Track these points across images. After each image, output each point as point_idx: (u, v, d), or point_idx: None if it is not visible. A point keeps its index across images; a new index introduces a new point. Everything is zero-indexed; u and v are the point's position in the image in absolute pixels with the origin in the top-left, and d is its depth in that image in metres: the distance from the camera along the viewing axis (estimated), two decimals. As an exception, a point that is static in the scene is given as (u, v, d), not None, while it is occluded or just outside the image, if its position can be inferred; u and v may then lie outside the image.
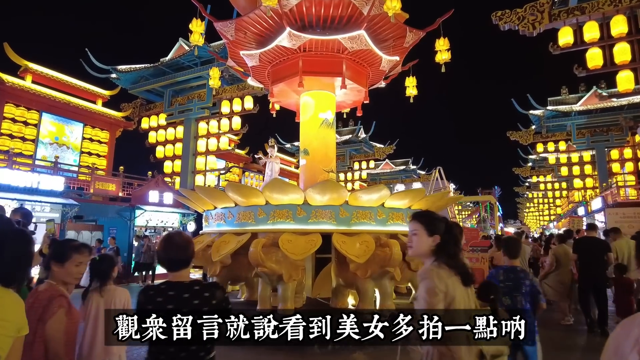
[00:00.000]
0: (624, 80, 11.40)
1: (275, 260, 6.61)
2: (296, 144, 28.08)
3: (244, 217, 7.29)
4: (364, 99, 9.30)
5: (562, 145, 23.91)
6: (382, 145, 31.62)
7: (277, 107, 11.81)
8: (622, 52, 11.11)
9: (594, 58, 11.62)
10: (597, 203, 18.84)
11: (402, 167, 37.90)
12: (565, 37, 11.84)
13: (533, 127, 24.53)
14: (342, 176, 29.44)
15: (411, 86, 10.70)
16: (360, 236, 6.77)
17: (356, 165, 31.22)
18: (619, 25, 11.22)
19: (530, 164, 32.57)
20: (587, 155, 23.59)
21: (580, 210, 22.12)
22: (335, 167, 9.46)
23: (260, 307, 7.03)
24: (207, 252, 7.56)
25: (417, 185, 30.31)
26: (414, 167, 38.64)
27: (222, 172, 18.87)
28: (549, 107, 22.40)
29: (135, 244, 14.28)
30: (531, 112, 23.37)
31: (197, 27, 8.55)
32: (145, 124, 19.62)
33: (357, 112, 9.97)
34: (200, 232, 8.61)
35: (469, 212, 40.34)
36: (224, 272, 7.72)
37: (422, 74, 11.11)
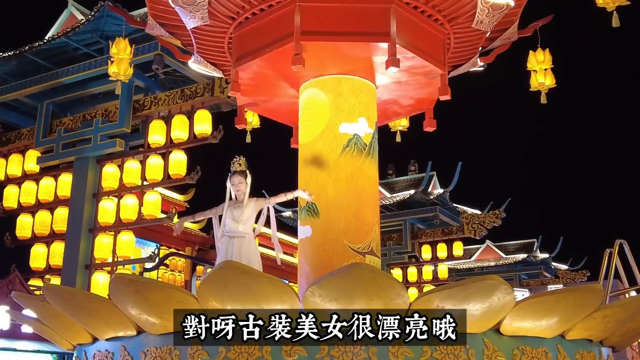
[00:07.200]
0: None
1: None
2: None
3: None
4: (441, 92, 5.56)
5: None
6: (479, 212, 18.98)
7: (253, 120, 7.57)
8: None
9: None
10: None
11: (523, 256, 24.89)
12: None
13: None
14: (398, 273, 18.62)
15: (541, 70, 6.08)
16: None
17: (426, 252, 18.83)
18: None
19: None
20: None
21: None
22: (379, 245, 5.49)
23: None
24: None
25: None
26: (546, 254, 25.30)
27: (149, 266, 12.73)
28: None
29: None
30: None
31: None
32: (-3, 170, 11.74)
33: (424, 126, 6.25)
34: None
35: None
36: None
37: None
